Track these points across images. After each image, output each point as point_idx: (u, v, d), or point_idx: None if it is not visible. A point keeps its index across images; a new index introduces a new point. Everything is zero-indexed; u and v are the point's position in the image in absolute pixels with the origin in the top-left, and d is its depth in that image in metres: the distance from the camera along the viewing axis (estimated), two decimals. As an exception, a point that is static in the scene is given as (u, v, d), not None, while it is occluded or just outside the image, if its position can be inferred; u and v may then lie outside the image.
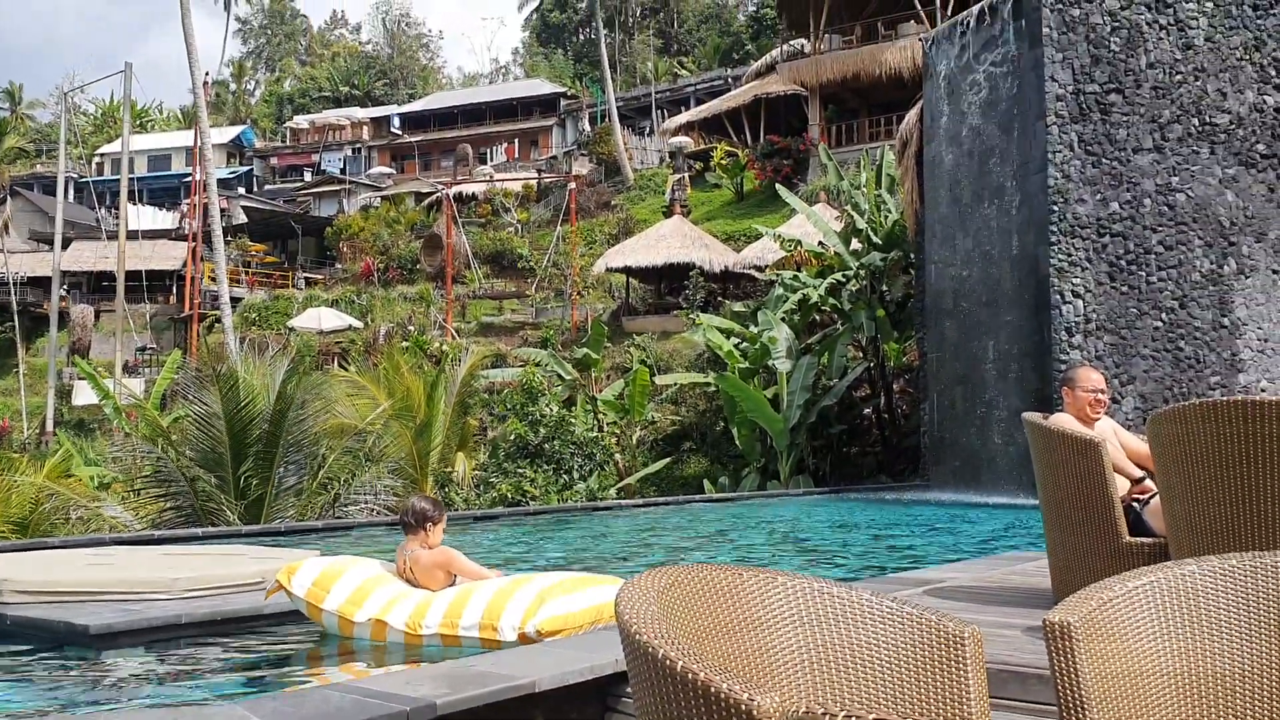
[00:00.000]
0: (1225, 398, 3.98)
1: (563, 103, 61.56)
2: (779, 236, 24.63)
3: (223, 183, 51.25)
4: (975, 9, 16.70)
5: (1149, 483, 4.90)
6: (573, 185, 39.69)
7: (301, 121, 70.38)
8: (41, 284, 44.76)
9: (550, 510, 15.08)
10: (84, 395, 34.34)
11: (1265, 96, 14.97)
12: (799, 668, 2.02)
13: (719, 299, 29.71)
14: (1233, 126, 14.85)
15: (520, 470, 19.08)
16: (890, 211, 22.20)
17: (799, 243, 24.03)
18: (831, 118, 38.95)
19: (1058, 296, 14.54)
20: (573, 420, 20.33)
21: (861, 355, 22.26)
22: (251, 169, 67.08)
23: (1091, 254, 14.61)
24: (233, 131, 69.26)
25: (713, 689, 1.52)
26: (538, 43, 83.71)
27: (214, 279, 36.00)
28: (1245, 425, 3.68)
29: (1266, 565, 2.04)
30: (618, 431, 22.24)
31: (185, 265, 42.36)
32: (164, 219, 54.87)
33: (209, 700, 4.44)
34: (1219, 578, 2.04)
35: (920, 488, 17.49)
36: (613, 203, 44.17)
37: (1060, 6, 14.97)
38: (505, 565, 7.02)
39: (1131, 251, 14.60)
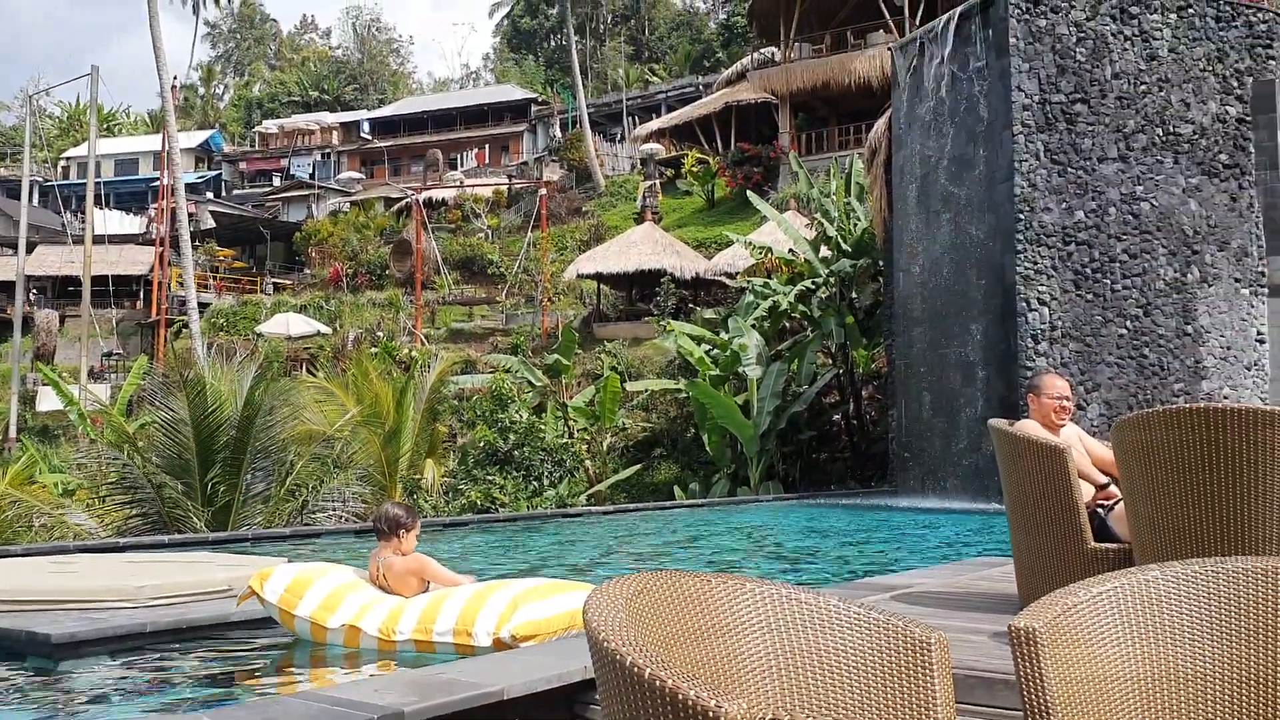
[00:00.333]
0: (1188, 405, 4.02)
1: (534, 108, 61.52)
2: (750, 244, 24.71)
3: (191, 187, 50.88)
4: (943, 19, 16.84)
5: (1114, 489, 4.95)
6: (543, 191, 39.67)
7: (270, 126, 69.95)
8: (5, 289, 44.20)
9: (520, 517, 15.04)
10: (48, 401, 33.93)
11: (1227, 107, 15.18)
12: (767, 674, 2.03)
13: (690, 306, 29.75)
14: (1196, 136, 15.04)
15: (489, 477, 19.02)
16: (859, 219, 22.32)
17: (770, 250, 24.11)
18: (802, 126, 39.13)
19: (1024, 304, 14.66)
20: (543, 427, 20.29)
21: (831, 362, 22.35)
22: (220, 173, 66.61)
23: (1057, 262, 14.75)
24: (201, 136, 68.76)
25: (680, 696, 1.53)
26: (508, 48, 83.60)
27: (181, 284, 35.71)
28: (1207, 432, 3.73)
29: (1228, 571, 2.07)
30: (588, 438, 22.21)
31: (152, 270, 41.97)
32: (131, 223, 54.36)
33: (173, 710, 4.40)
34: (1181, 583, 2.06)
35: (888, 493, 17.58)
36: (584, 209, 44.15)
37: (1027, 17, 15.12)
38: (475, 572, 7.00)
39: (1096, 260, 14.75)
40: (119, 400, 26.78)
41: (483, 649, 4.97)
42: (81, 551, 9.28)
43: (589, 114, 49.20)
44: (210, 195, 59.34)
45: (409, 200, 44.99)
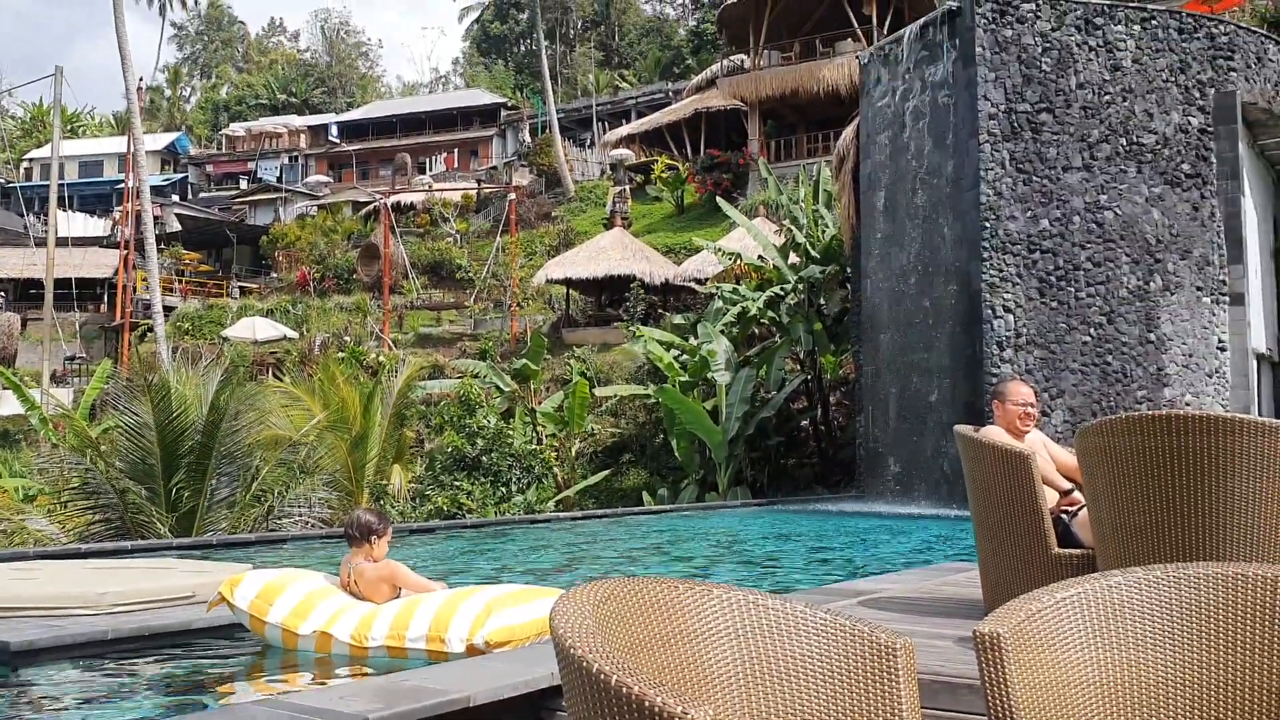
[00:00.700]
0: (1151, 411, 4.06)
1: (503, 113, 61.41)
2: (719, 250, 24.77)
3: (156, 190, 50.38)
4: (911, 28, 16.96)
5: (1077, 494, 4.99)
6: (513, 196, 39.59)
7: (238, 129, 69.43)
8: (-35, 291, 43.66)
9: (487, 523, 14.99)
10: (9, 405, 33.43)
11: (1190, 118, 15.37)
12: (733, 680, 2.03)
13: (659, 311, 29.78)
14: (1159, 146, 15.23)
15: (457, 483, 18.94)
16: (828, 226, 22.43)
17: (739, 256, 24.18)
18: (771, 133, 39.30)
19: (989, 311, 14.77)
20: (511, 432, 20.24)
21: (799, 368, 22.43)
22: (186, 176, 66.01)
23: (1022, 270, 14.87)
24: (167, 138, 68.13)
25: (647, 702, 1.52)
26: (478, 53, 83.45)
27: (146, 287, 35.36)
28: (1169, 438, 3.77)
29: (1190, 576, 2.09)
30: (556, 443, 22.17)
31: (116, 273, 41.54)
32: (95, 226, 53.74)
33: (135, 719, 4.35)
34: (1144, 589, 2.08)
35: (855, 499, 17.65)
36: (553, 214, 44.10)
37: (993, 27, 15.25)
38: (443, 579, 6.97)
39: (1061, 268, 14.90)
40: (82, 405, 26.46)
41: (456, 655, 4.96)
42: (42, 558, 9.16)
43: (559, 119, 49.19)
44: (176, 198, 58.80)
45: (377, 204, 44.77)
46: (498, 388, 22.90)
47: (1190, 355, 15.05)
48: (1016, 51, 15.22)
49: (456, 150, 60.72)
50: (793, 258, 22.70)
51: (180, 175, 65.51)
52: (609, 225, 35.93)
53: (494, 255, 38.65)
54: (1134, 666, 2.01)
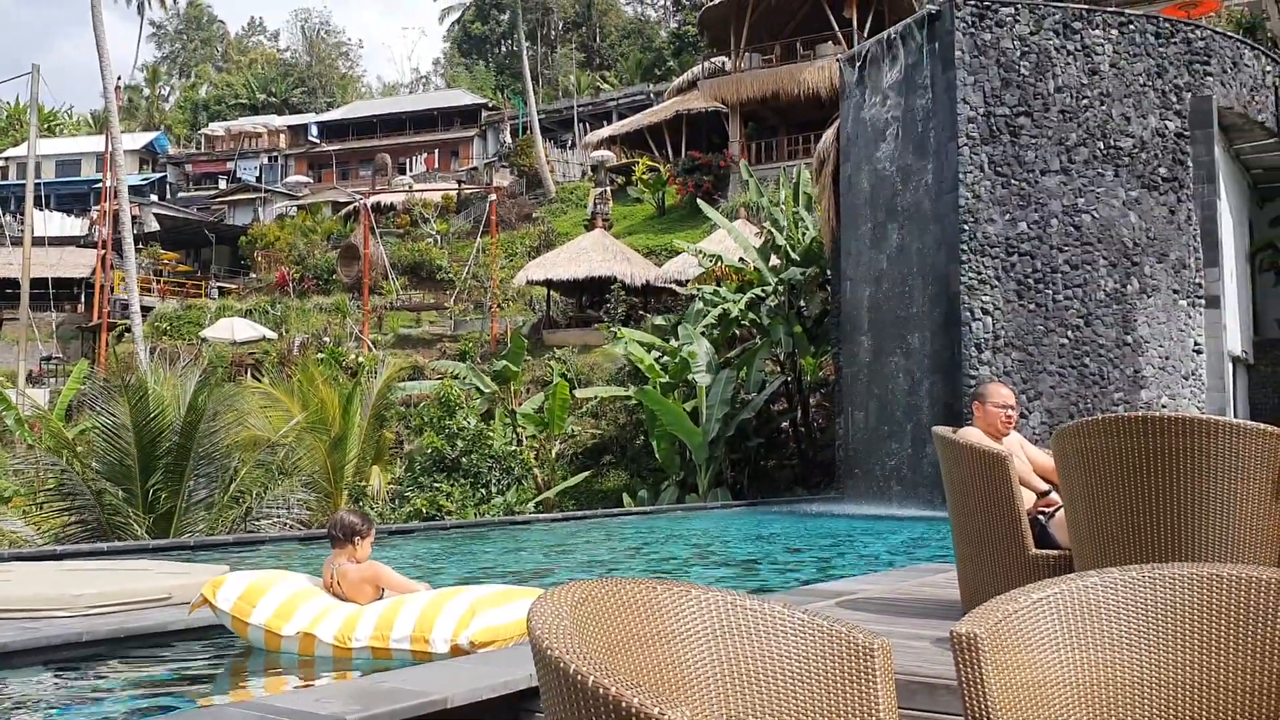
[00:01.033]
0: (1128, 413, 4.09)
1: (484, 114, 61.30)
2: (700, 251, 24.79)
3: (135, 189, 50.02)
4: (891, 31, 17.02)
5: (1054, 496, 5.01)
6: (493, 197, 39.51)
7: (217, 128, 69.07)
8: (-60, 291, 43.25)
9: (467, 525, 14.95)
10: (-17, 406, 33.15)
11: (1166, 122, 15.48)
12: (711, 681, 2.03)
13: (640, 313, 29.77)
14: (1136, 150, 15.33)
15: (436, 484, 18.90)
16: (808, 228, 22.48)
17: (719, 258, 24.21)
18: (752, 135, 39.35)
19: (968, 313, 14.83)
20: (491, 434, 20.20)
21: (779, 370, 22.47)
22: (165, 176, 65.59)
23: (1000, 272, 14.95)
24: (146, 137, 67.67)
25: (624, 703, 1.52)
26: (459, 53, 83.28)
27: (124, 287, 35.12)
28: (1146, 440, 3.79)
29: (1165, 577, 2.10)
30: (536, 445, 22.14)
31: (94, 273, 41.24)
32: (72, 225, 53.35)
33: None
34: (1120, 589, 2.09)
35: (835, 500, 17.69)
36: (534, 215, 44.04)
37: (973, 31, 15.32)
38: (426, 580, 6.94)
39: (1039, 270, 14.97)
40: (58, 405, 26.25)
41: (440, 656, 4.94)
42: (17, 559, 9.08)
43: (540, 120, 49.13)
44: (154, 198, 58.41)
45: (357, 205, 44.61)
46: (478, 389, 22.85)
47: (1167, 358, 15.15)
48: (995, 55, 15.30)
49: (437, 151, 60.57)
50: (773, 260, 22.75)
51: (159, 175, 65.09)
52: (590, 226, 35.91)
53: (474, 256, 38.57)
54: (1110, 666, 2.02)
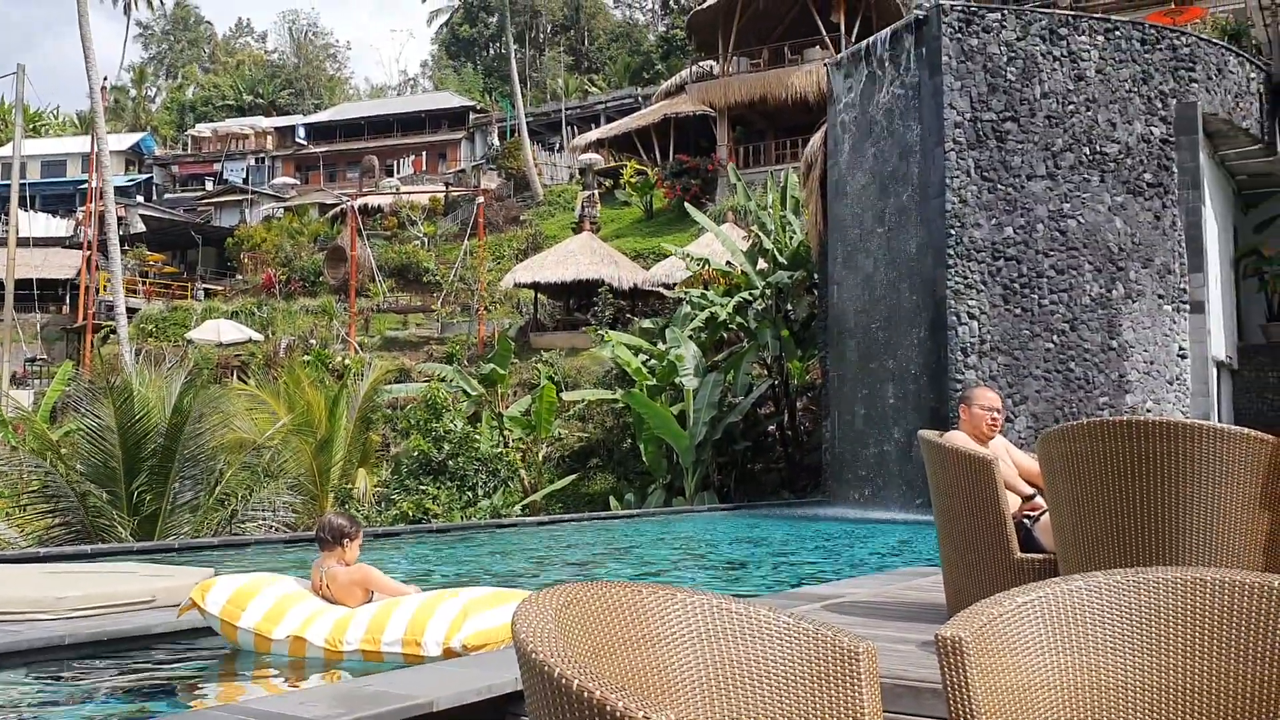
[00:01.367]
0: (1112, 417, 4.10)
1: (472, 116, 61.24)
2: (687, 255, 24.80)
3: (121, 190, 49.81)
4: (878, 36, 17.06)
5: (1039, 500, 5.03)
6: (481, 199, 39.45)
7: (204, 130, 68.83)
8: (-77, 291, 42.93)
9: (453, 528, 14.91)
10: (-33, 407, 32.95)
11: (1152, 128, 15.55)
12: (696, 684, 2.03)
13: (627, 316, 29.76)
14: (1121, 156, 15.39)
15: (423, 487, 18.86)
16: (795, 232, 22.52)
17: (707, 261, 24.23)
18: (739, 139, 39.40)
19: (954, 318, 14.87)
20: (478, 437, 20.17)
21: (766, 373, 22.50)
22: (151, 177, 65.34)
23: (987, 277, 14.99)
24: (132, 138, 67.40)
25: (609, 707, 1.52)
26: (447, 56, 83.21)
27: (110, 288, 34.97)
28: (1131, 444, 3.80)
29: (1149, 581, 2.10)
30: (523, 448, 22.12)
31: (79, 274, 41.05)
32: (57, 226, 53.08)
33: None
34: (1105, 593, 2.09)
35: (822, 503, 17.71)
36: (521, 218, 44.01)
37: (959, 36, 15.37)
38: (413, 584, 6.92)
39: (1025, 275, 15.02)
40: (42, 407, 26.12)
41: (433, 658, 4.93)
42: (-1, 562, 9.02)
43: (528, 123, 49.11)
44: (140, 199, 58.20)
45: (344, 206, 44.49)
46: (464, 392, 22.82)
47: (1151, 362, 15.21)
48: (982, 60, 15.35)
49: (424, 153, 60.48)
50: (761, 263, 22.78)
51: (145, 176, 64.84)
52: (577, 229, 35.90)
53: (461, 259, 38.52)
54: (1095, 670, 2.02)
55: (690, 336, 21.49)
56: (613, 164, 43.06)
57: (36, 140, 64.75)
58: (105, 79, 54.86)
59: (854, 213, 17.38)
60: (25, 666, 5.32)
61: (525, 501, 20.52)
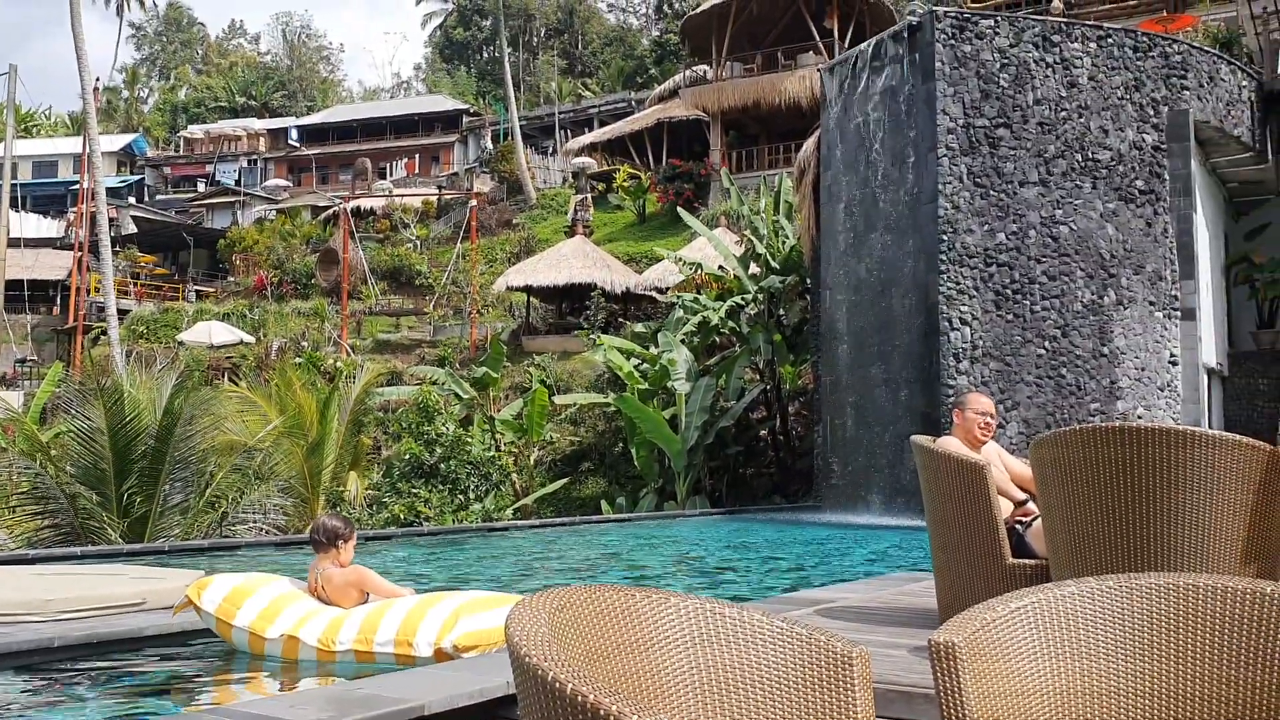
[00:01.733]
0: (1104, 424, 4.11)
1: (465, 119, 61.23)
2: (680, 259, 24.82)
3: (112, 191, 49.74)
4: (871, 42, 17.09)
5: (1031, 505, 5.03)
6: (474, 202, 39.44)
7: (196, 131, 68.75)
8: (-87, 292, 42.78)
9: (444, 531, 14.89)
10: (-44, 408, 32.81)
11: (1144, 135, 15.60)
12: (690, 688, 2.02)
13: (620, 320, 29.76)
14: (1113, 162, 15.44)
15: (414, 490, 18.82)
16: (788, 237, 22.55)
17: (700, 266, 24.24)
18: (733, 143, 39.44)
19: (946, 323, 14.89)
20: (469, 440, 20.14)
21: (758, 378, 22.51)
22: (143, 178, 65.21)
23: (979, 283, 15.02)
24: (124, 139, 67.27)
25: (602, 710, 1.51)
26: (441, 59, 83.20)
27: (101, 290, 34.88)
28: (1122, 450, 3.81)
29: (1141, 586, 2.11)
30: (515, 451, 22.10)
31: (70, 275, 40.94)
32: (49, 227, 52.98)
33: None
34: (1097, 598, 2.10)
35: (814, 508, 17.72)
36: (514, 221, 44.00)
37: (953, 43, 15.40)
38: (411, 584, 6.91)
39: (1017, 281, 15.05)
40: (32, 408, 26.02)
41: (424, 659, 4.93)
42: (-12, 563, 8.98)
43: (521, 126, 49.12)
44: (132, 200, 58.09)
45: (336, 209, 44.45)
46: (456, 395, 22.79)
47: (1143, 369, 15.25)
48: (975, 67, 15.39)
49: (418, 156, 60.47)
50: (753, 268, 22.80)
51: (137, 177, 64.72)
52: (570, 233, 35.90)
53: (454, 262, 38.49)
54: (1087, 676, 2.03)
55: (682, 341, 21.49)
56: (606, 168, 43.08)
57: (28, 141, 64.56)
58: (98, 80, 54.71)
59: (847, 218, 17.40)
60: (14, 669, 5.29)
61: (517, 505, 20.50)
